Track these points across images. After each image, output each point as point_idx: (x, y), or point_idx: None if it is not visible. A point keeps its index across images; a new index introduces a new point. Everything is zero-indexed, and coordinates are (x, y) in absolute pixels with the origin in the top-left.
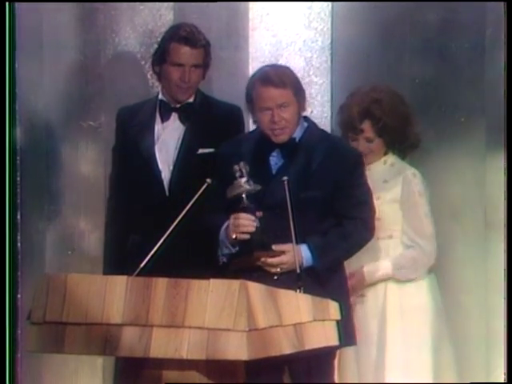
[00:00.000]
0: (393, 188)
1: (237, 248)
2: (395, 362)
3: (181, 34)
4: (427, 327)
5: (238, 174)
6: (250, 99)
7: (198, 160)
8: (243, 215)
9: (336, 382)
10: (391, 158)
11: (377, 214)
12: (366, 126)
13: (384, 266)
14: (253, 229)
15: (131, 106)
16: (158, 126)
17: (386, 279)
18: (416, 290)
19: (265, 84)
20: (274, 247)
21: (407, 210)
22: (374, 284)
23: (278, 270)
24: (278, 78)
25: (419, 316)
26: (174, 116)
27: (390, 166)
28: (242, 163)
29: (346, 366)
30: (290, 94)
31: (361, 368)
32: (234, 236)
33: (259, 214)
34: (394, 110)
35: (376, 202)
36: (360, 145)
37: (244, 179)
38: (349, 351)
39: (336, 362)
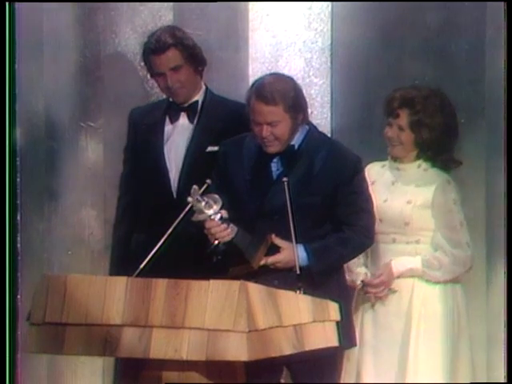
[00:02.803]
0: (425, 193)
1: (223, 246)
2: (417, 364)
3: (148, 47)
4: (448, 333)
5: (195, 203)
6: (248, 108)
7: (206, 159)
8: (210, 224)
9: (348, 382)
10: (424, 164)
11: (407, 218)
12: (403, 112)
13: (413, 261)
14: (227, 232)
15: (143, 106)
16: (168, 127)
17: (413, 275)
18: (441, 297)
19: (257, 99)
20: (273, 238)
21: (441, 218)
22: (401, 278)
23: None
24: (271, 94)
25: (441, 321)
26: (183, 116)
27: (423, 171)
28: (193, 189)
29: (364, 364)
30: (281, 111)
31: (380, 367)
32: (216, 243)
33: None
34: (436, 112)
35: (407, 206)
36: (392, 131)
37: (202, 203)
38: (368, 349)
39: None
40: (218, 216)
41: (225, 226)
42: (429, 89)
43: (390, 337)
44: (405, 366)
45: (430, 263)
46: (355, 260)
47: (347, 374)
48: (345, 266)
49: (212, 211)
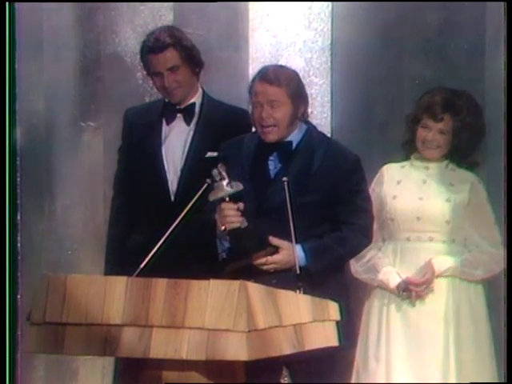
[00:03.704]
0: (460, 192)
1: (228, 244)
2: (461, 364)
3: (146, 45)
4: (484, 331)
5: (218, 178)
6: (249, 96)
7: (206, 164)
8: (226, 206)
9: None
10: (451, 164)
11: (448, 217)
12: (447, 117)
13: (451, 260)
14: (239, 219)
15: (139, 106)
16: (165, 128)
17: (452, 275)
18: (478, 297)
19: (261, 80)
20: (271, 240)
21: (477, 217)
22: (439, 277)
23: (271, 269)
24: (275, 75)
25: (483, 320)
26: (180, 117)
27: (451, 171)
28: (220, 165)
29: (396, 365)
30: (284, 93)
31: (416, 366)
32: (222, 228)
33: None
34: (475, 116)
35: (447, 205)
36: (431, 134)
37: (225, 181)
38: (399, 349)
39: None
40: (236, 205)
41: (238, 212)
42: (463, 92)
43: (426, 337)
44: (447, 366)
45: (469, 262)
46: (381, 260)
47: (368, 374)
48: (371, 265)
49: (232, 190)
